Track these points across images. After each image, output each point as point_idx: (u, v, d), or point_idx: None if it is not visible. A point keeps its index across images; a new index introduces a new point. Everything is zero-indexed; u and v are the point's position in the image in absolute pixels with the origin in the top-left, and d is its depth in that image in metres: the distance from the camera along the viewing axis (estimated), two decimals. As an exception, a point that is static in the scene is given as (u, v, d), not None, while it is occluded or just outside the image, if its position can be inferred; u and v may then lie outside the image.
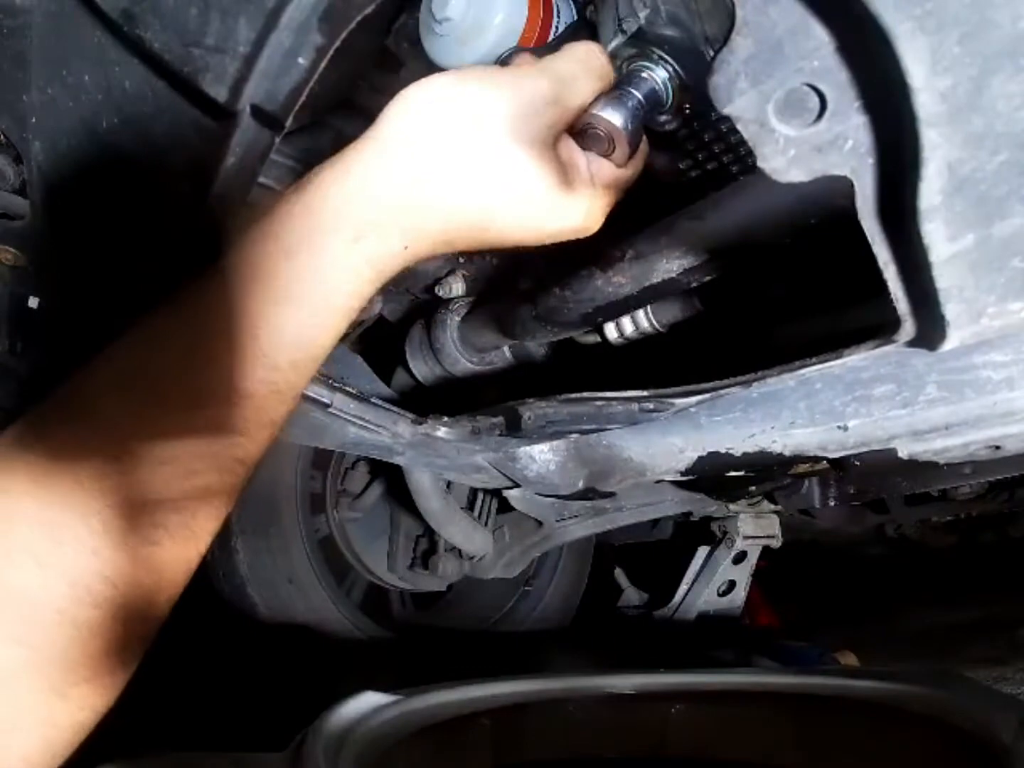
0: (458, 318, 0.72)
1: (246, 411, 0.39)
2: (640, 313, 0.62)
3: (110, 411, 0.38)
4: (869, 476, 0.67)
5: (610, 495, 0.81)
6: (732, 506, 1.30)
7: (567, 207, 0.44)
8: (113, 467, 0.36)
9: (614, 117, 0.44)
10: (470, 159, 0.41)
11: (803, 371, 0.47)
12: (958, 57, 0.28)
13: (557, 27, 0.63)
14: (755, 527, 1.50)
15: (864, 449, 0.57)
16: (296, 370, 0.41)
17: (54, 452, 0.36)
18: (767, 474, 0.75)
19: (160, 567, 0.38)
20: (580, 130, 0.45)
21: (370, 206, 0.40)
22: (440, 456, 0.79)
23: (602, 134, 0.44)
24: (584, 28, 0.63)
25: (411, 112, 0.41)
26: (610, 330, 0.64)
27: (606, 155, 0.45)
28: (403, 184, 0.40)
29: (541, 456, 0.76)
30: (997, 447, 0.54)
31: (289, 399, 0.42)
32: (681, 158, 0.56)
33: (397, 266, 0.42)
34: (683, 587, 1.54)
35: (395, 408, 0.73)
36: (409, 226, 0.41)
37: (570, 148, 0.44)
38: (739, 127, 0.33)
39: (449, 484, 1.03)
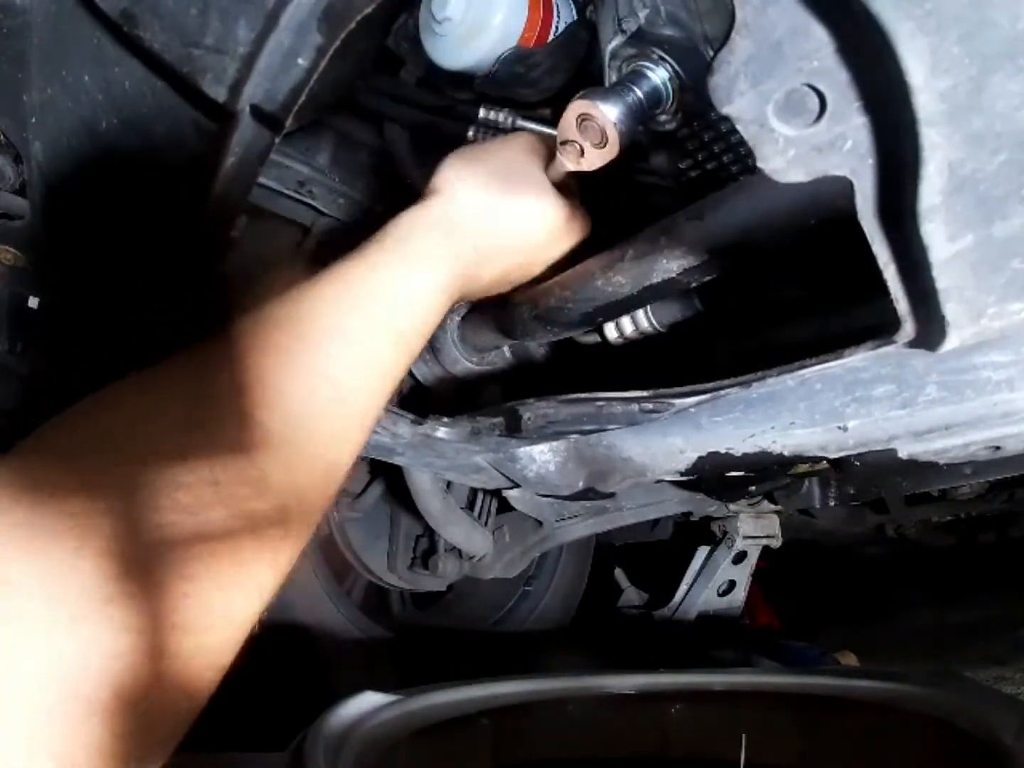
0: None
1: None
2: (640, 313, 0.62)
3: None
4: (869, 476, 0.67)
5: (610, 495, 0.81)
6: (732, 506, 1.30)
7: (566, 214, 0.55)
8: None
9: (610, 111, 0.44)
10: (510, 192, 0.53)
11: (803, 371, 0.47)
12: (958, 57, 0.28)
13: (557, 27, 0.63)
14: (755, 527, 1.50)
15: (864, 449, 0.57)
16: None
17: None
18: (767, 474, 0.75)
19: (177, 610, 0.31)
20: (578, 120, 0.46)
21: (451, 232, 0.51)
22: (440, 456, 0.79)
23: (596, 126, 0.45)
24: (584, 28, 0.63)
25: (454, 167, 0.54)
26: (610, 330, 0.64)
27: (598, 147, 0.46)
28: (470, 214, 0.52)
29: (541, 456, 0.76)
30: (997, 447, 0.54)
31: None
32: (681, 158, 0.56)
33: (473, 277, 0.53)
34: (683, 587, 1.54)
35: (395, 408, 0.73)
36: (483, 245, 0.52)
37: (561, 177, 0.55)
38: (739, 127, 0.33)
39: (449, 484, 1.03)
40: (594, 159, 0.48)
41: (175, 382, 0.37)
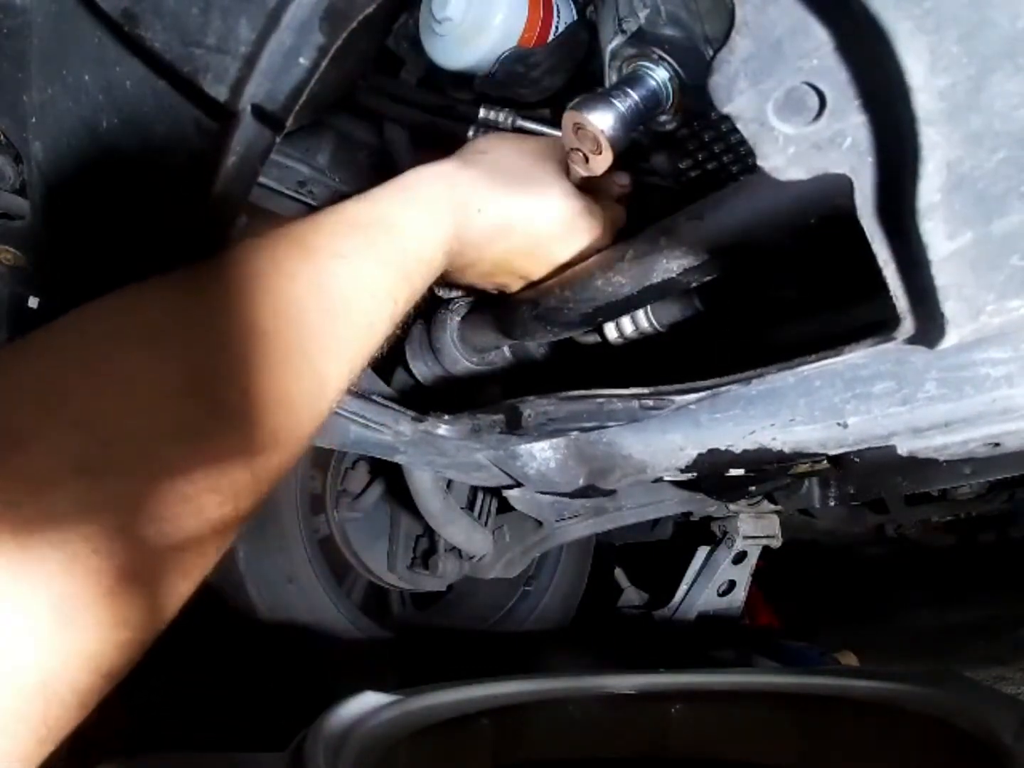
0: (458, 318, 0.72)
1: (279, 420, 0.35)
2: (640, 313, 0.62)
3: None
4: (869, 475, 0.67)
5: (610, 493, 0.81)
6: (732, 506, 1.30)
7: (581, 210, 0.56)
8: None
9: (599, 119, 0.46)
10: (537, 174, 0.55)
11: (803, 368, 0.48)
12: (957, 56, 0.28)
13: (557, 27, 0.64)
14: (755, 527, 1.50)
15: (864, 446, 0.57)
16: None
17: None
18: (767, 474, 0.75)
19: (168, 609, 0.32)
20: (573, 129, 0.47)
21: (458, 182, 0.51)
22: (441, 454, 0.79)
23: (589, 134, 0.46)
24: (584, 28, 0.63)
25: (485, 139, 0.58)
26: (610, 330, 0.64)
27: (595, 153, 0.48)
28: (482, 176, 0.52)
29: (541, 454, 0.76)
30: (996, 444, 0.54)
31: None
32: (681, 158, 0.56)
33: (475, 229, 0.52)
34: (683, 587, 1.54)
35: (396, 406, 0.73)
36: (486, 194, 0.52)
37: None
38: (739, 126, 0.34)
39: (449, 484, 1.03)
40: (596, 165, 0.49)
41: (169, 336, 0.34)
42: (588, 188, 0.57)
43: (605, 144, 0.46)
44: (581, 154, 0.49)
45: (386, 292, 0.44)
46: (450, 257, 0.51)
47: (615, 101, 0.46)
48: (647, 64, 0.48)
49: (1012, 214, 0.32)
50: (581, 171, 0.51)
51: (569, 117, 0.47)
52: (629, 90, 0.47)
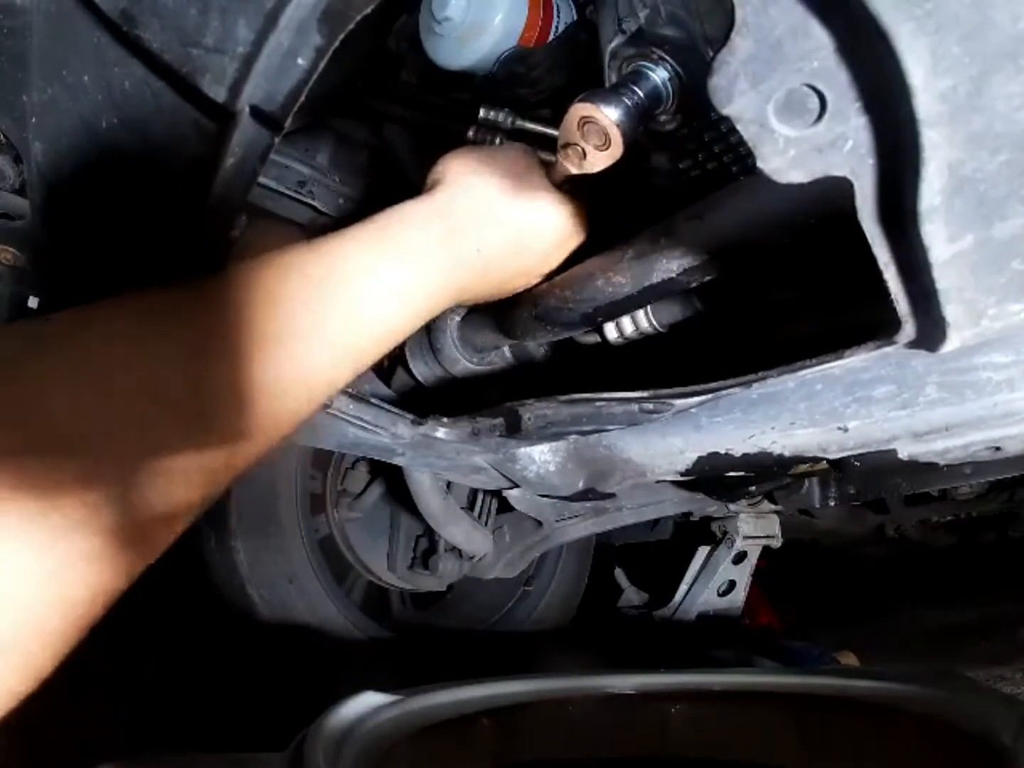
0: (458, 318, 0.72)
1: (256, 414, 0.38)
2: (640, 313, 0.62)
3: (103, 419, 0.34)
4: (869, 476, 0.67)
5: (610, 496, 0.81)
6: (732, 506, 1.30)
7: (567, 217, 0.55)
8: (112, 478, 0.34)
9: (612, 112, 0.44)
10: (511, 192, 0.52)
11: (803, 372, 0.47)
12: (958, 57, 0.28)
13: (557, 27, 0.64)
14: (755, 527, 1.50)
15: (864, 450, 0.57)
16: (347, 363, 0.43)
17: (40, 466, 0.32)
18: (767, 474, 0.75)
19: (133, 574, 0.36)
20: (579, 123, 0.46)
21: (449, 218, 0.49)
22: (440, 457, 0.79)
23: (599, 128, 0.45)
24: (584, 28, 0.63)
25: (462, 161, 0.53)
26: (610, 330, 0.64)
27: (600, 148, 0.46)
28: (468, 206, 0.50)
29: (541, 457, 0.76)
30: (998, 448, 0.54)
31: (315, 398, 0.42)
32: (681, 158, 0.56)
33: (472, 266, 0.50)
34: (683, 587, 1.54)
35: (394, 409, 0.73)
36: (481, 234, 0.50)
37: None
38: (739, 127, 0.33)
39: (449, 484, 1.03)
40: (597, 161, 0.47)
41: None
42: (560, 190, 0.56)
43: (617, 138, 0.45)
44: (579, 150, 0.47)
45: (328, 383, 0.41)
46: (445, 298, 0.49)
47: (623, 96, 0.46)
48: (647, 64, 0.48)
49: (1013, 217, 0.32)
50: (572, 169, 0.48)
51: (579, 110, 0.46)
52: (634, 87, 0.47)
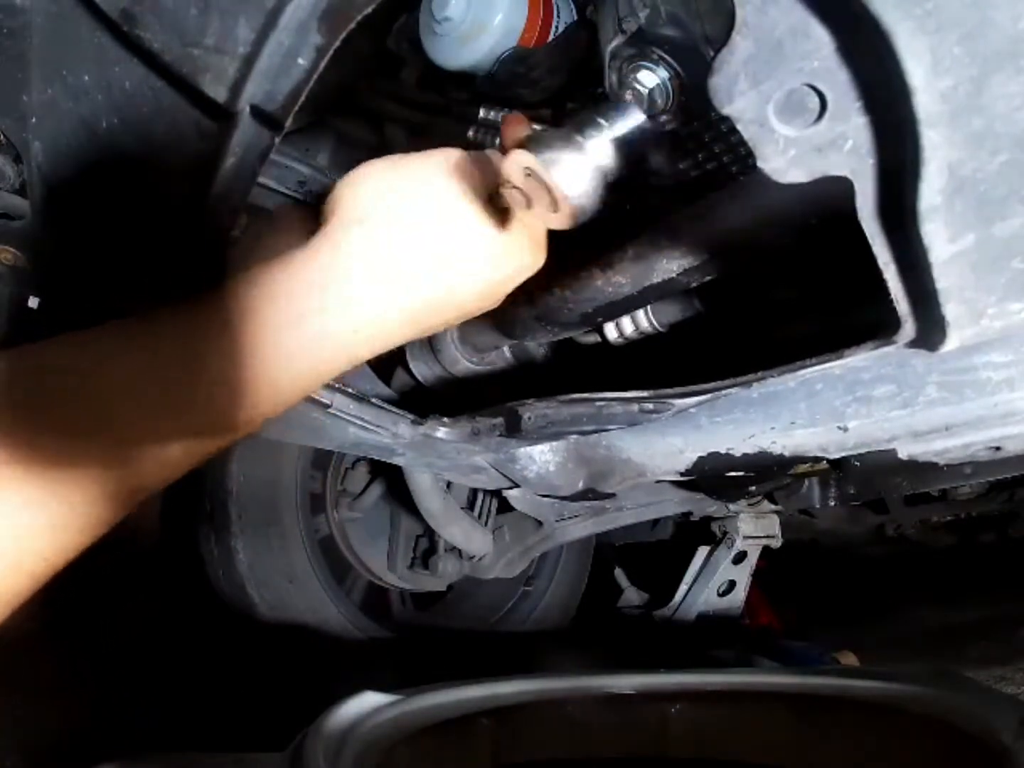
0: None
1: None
2: (640, 313, 0.62)
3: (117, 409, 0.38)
4: (869, 476, 0.67)
5: (610, 496, 0.81)
6: (732, 506, 1.30)
7: (510, 249, 0.44)
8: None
9: (569, 183, 0.36)
10: (427, 215, 0.43)
11: (803, 372, 0.47)
12: (958, 57, 0.28)
13: (557, 27, 0.64)
14: (755, 527, 1.50)
15: (864, 450, 0.57)
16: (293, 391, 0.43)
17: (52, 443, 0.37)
18: (767, 474, 0.75)
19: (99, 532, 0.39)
20: (522, 172, 0.37)
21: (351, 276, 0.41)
22: (440, 457, 0.79)
23: (544, 190, 0.37)
24: (584, 28, 0.63)
25: (354, 188, 0.44)
26: (610, 330, 0.64)
27: (549, 208, 0.38)
28: (379, 252, 0.42)
29: (541, 457, 0.76)
30: (997, 448, 0.54)
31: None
32: (681, 158, 0.56)
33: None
34: (683, 587, 1.54)
35: (395, 409, 0.73)
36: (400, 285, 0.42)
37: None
38: (739, 127, 0.33)
39: (449, 484, 1.03)
40: (542, 219, 0.38)
41: None
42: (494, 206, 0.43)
43: (567, 210, 0.36)
44: (523, 196, 0.38)
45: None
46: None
47: (587, 145, 0.37)
48: (647, 64, 0.48)
49: (1013, 217, 0.32)
50: (516, 210, 0.40)
51: (521, 160, 0.36)
52: (605, 122, 0.38)
